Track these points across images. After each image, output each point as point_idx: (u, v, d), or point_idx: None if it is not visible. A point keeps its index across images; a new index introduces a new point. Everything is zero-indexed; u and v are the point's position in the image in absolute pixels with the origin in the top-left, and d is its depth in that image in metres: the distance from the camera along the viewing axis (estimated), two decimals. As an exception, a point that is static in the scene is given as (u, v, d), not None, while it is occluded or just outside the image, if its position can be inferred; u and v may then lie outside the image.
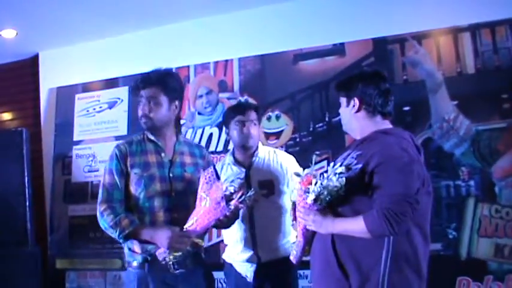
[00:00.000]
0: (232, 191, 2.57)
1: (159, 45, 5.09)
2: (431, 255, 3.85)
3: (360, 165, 2.27)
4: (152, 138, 2.85)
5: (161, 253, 2.61)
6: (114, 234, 2.68)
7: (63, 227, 5.20)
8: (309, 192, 2.27)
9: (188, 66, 4.97)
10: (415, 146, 2.38)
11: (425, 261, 2.34)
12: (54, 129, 5.46)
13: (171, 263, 2.60)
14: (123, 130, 5.11)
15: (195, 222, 2.60)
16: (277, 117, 4.46)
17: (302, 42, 4.56)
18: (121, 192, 2.75)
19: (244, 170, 3.27)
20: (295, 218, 2.48)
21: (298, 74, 4.51)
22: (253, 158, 3.28)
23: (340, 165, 2.29)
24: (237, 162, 3.31)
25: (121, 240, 2.71)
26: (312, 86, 4.44)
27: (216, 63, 4.87)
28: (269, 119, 4.57)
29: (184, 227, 2.62)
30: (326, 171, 2.30)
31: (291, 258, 2.55)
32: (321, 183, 2.24)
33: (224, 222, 2.72)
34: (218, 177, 2.70)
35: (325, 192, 2.24)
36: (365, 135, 2.44)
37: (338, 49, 4.46)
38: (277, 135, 4.48)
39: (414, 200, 2.18)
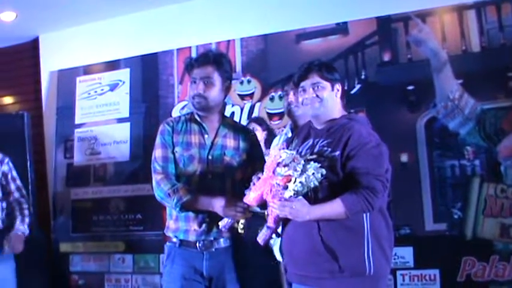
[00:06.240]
0: (284, 158, 2.54)
1: (160, 26, 5.06)
2: (437, 236, 3.91)
3: (338, 152, 2.42)
4: (197, 119, 2.85)
5: (225, 224, 2.64)
6: (170, 203, 2.71)
7: (66, 211, 5.20)
8: (287, 189, 2.32)
9: (190, 47, 4.93)
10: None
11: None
12: (55, 113, 5.44)
13: (242, 231, 2.67)
14: (124, 112, 5.06)
15: (252, 194, 2.58)
16: (280, 98, 4.41)
17: (305, 21, 4.50)
18: (173, 166, 2.79)
19: None
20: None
21: (301, 54, 4.44)
22: None
23: (311, 154, 2.42)
24: None
25: (177, 209, 2.71)
26: (315, 65, 4.39)
27: (218, 43, 4.81)
28: (272, 99, 4.54)
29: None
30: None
31: (259, 240, 2.53)
32: (301, 182, 2.29)
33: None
34: None
35: (305, 189, 2.31)
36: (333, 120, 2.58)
37: (341, 28, 4.41)
38: (281, 115, 4.44)
39: (385, 179, 2.40)
